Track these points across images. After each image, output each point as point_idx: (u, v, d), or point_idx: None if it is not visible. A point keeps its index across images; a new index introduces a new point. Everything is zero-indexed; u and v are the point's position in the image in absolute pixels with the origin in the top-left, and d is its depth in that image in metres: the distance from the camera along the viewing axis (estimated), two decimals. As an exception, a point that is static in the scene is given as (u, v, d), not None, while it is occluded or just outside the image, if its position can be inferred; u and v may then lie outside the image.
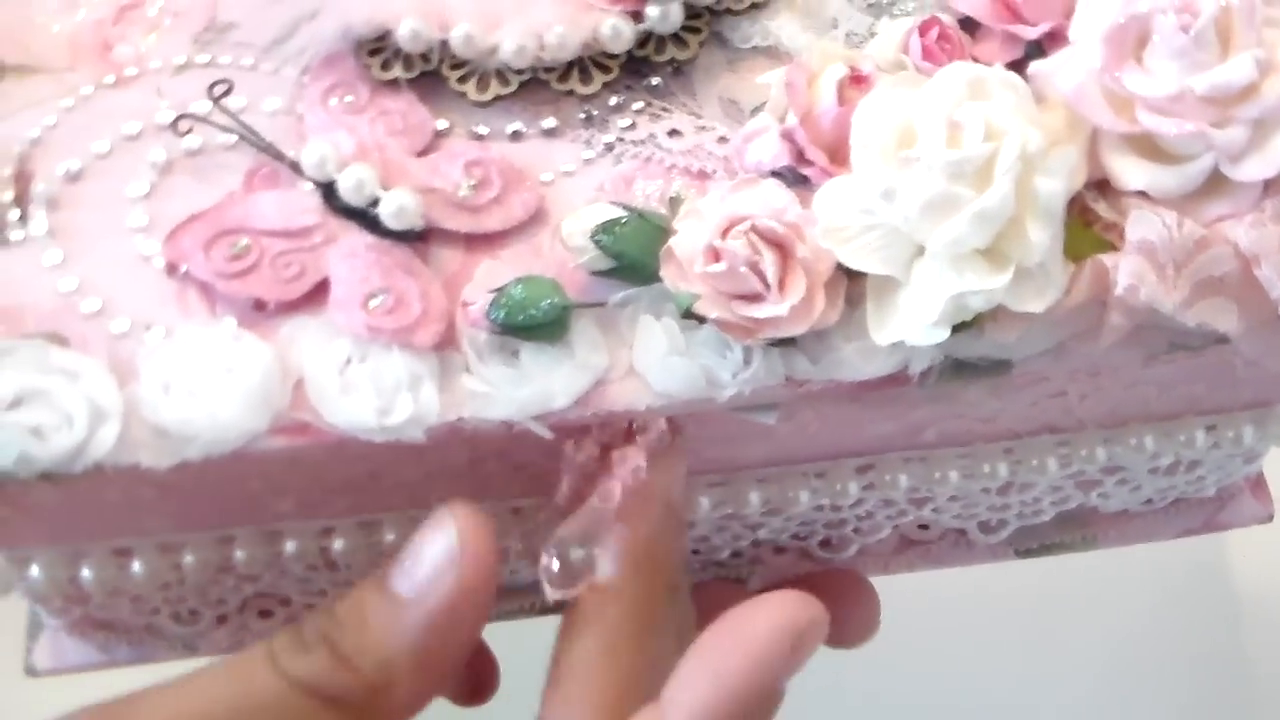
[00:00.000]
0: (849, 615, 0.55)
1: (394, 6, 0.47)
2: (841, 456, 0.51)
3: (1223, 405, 0.50)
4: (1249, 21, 0.43)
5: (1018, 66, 0.46)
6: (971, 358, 0.43)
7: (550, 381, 0.43)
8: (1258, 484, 0.56)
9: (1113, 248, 0.42)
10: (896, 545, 0.56)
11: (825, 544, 0.55)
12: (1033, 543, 0.56)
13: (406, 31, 0.46)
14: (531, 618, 0.54)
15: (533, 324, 0.42)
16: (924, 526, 0.55)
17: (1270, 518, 0.56)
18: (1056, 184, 0.41)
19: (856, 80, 0.44)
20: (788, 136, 0.44)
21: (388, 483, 0.49)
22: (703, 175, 0.46)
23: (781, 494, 0.51)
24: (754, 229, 0.42)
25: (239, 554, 0.50)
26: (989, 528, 0.55)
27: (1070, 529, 0.56)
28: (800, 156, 0.44)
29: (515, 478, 0.48)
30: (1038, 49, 0.46)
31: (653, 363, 0.43)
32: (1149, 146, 0.43)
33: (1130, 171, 0.43)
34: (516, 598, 0.54)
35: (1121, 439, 0.51)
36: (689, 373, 0.43)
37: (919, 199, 0.41)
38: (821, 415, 0.47)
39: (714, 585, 0.55)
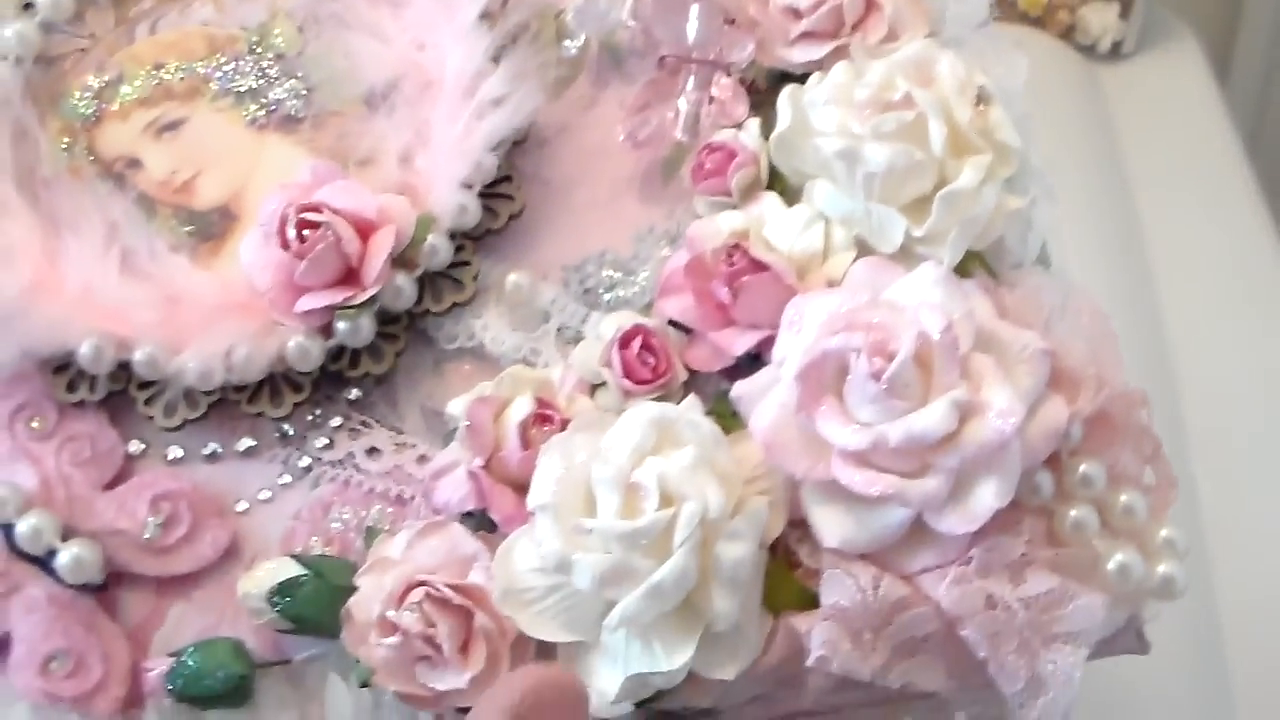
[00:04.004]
0: None
1: (76, 325, 0.44)
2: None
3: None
4: (950, 358, 0.39)
5: (734, 370, 0.43)
6: (674, 708, 0.41)
7: (235, 747, 0.41)
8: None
9: (816, 599, 0.40)
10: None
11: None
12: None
13: (88, 352, 0.44)
14: None
15: (211, 693, 0.41)
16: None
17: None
18: (742, 549, 0.39)
19: (542, 419, 0.41)
20: (475, 477, 0.41)
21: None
22: (400, 501, 0.43)
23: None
24: (430, 598, 0.40)
25: None
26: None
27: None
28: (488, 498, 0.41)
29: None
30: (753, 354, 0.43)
31: (341, 723, 0.41)
32: (848, 493, 0.40)
33: (827, 523, 0.40)
34: None
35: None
36: (378, 736, 0.41)
37: (593, 572, 0.38)
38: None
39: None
